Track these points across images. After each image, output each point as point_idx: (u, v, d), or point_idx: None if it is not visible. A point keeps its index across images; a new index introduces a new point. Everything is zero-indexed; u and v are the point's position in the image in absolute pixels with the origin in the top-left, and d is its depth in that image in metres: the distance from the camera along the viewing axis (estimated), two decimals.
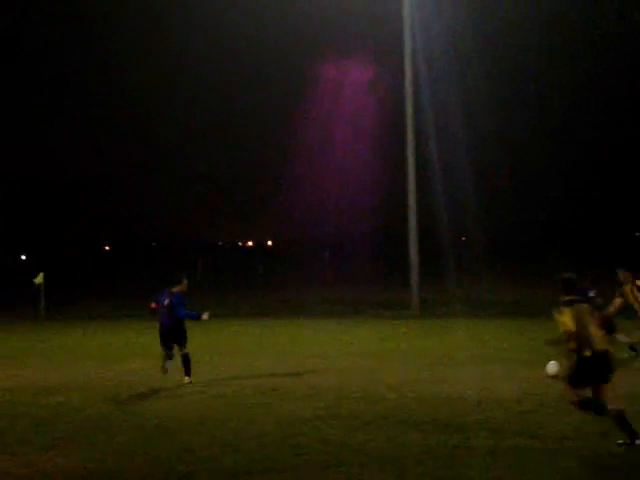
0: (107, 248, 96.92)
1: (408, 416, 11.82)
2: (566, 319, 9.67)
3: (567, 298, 9.89)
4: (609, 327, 16.31)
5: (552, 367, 13.82)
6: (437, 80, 33.70)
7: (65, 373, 16.94)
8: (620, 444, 9.65)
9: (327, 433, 10.85)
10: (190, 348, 15.28)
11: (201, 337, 24.00)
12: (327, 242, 64.64)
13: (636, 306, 14.78)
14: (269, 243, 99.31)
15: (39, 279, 32.58)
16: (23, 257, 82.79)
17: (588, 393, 9.90)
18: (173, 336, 15.46)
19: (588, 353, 9.62)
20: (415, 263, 31.06)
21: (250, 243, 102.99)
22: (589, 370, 9.68)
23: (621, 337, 16.49)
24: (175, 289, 15.44)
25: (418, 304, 30.49)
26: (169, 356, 15.44)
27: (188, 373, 15.39)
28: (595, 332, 9.79)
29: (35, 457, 10.06)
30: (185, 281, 15.57)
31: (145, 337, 24.97)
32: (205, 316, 15.46)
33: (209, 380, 15.50)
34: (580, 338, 9.63)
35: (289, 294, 39.66)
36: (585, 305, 9.97)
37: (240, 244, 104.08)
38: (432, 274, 34.01)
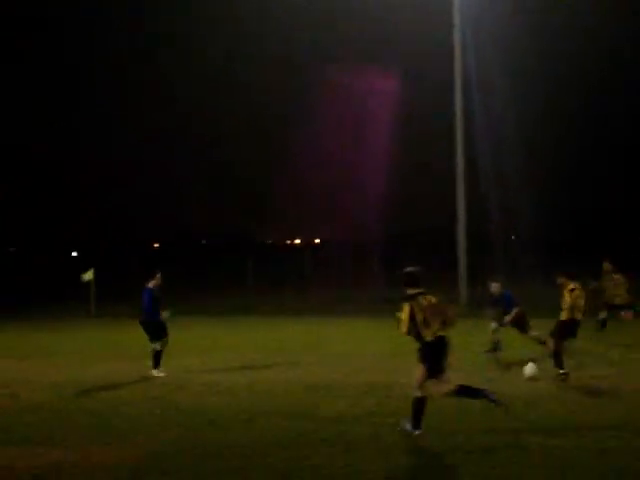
0: (156, 245, 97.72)
1: (457, 416, 11.73)
2: (404, 317, 10.43)
3: (411, 292, 10.54)
4: (522, 325, 16.90)
5: (530, 369, 14.26)
6: (486, 79, 33.52)
7: (116, 369, 17.10)
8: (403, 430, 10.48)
9: (378, 431, 10.82)
10: (236, 346, 15.31)
11: (247, 334, 24.16)
12: (376, 240, 64.48)
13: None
14: (317, 241, 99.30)
15: (89, 275, 32.84)
16: (74, 254, 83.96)
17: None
18: (144, 329, 16.12)
19: (429, 338, 10.36)
20: (463, 261, 30.89)
21: (298, 241, 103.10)
22: (432, 353, 10.41)
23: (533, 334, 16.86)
24: (150, 284, 16.08)
25: (466, 302, 30.32)
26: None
27: (155, 366, 15.94)
28: (434, 321, 10.42)
29: (90, 450, 10.19)
30: (158, 275, 16.17)
31: (195, 334, 25.18)
32: (165, 314, 15.93)
33: (259, 377, 15.57)
34: (418, 327, 10.37)
35: (338, 292, 39.67)
36: (430, 296, 10.56)
37: (288, 242, 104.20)
38: (482, 273, 33.70)
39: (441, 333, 10.47)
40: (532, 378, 14.24)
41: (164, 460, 9.62)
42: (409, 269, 10.81)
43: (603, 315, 20.15)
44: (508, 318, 16.94)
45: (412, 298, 10.53)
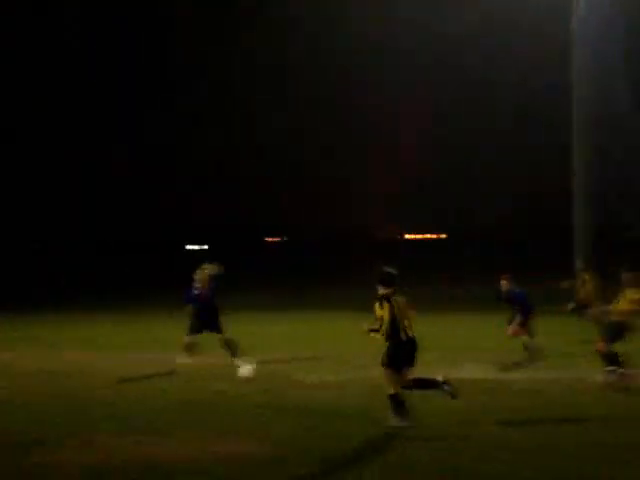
0: (277, 240, 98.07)
1: (571, 410, 11.82)
2: (385, 314, 10.81)
3: (387, 291, 10.95)
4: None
5: (244, 371, 14.57)
6: (603, 66, 32.87)
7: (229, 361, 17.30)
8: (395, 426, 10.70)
9: (489, 431, 10.76)
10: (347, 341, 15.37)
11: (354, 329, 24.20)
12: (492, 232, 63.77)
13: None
14: (432, 236, 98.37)
15: (213, 269, 33.61)
16: (194, 247, 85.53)
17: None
18: None
19: (404, 337, 10.80)
20: (581, 253, 30.30)
21: (414, 236, 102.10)
22: (403, 352, 10.84)
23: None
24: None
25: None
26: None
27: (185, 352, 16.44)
28: (409, 321, 10.95)
29: (205, 443, 10.32)
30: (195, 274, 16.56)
31: (308, 328, 25.53)
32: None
33: (373, 373, 15.63)
34: (397, 325, 10.79)
35: (467, 288, 39.52)
36: (402, 297, 11.01)
37: (398, 237, 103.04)
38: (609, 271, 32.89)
39: (411, 333, 10.94)
40: (248, 379, 14.43)
41: (273, 453, 9.69)
42: (389, 269, 11.18)
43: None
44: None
45: (390, 297, 10.93)
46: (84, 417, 11.98)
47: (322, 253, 68.13)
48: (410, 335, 10.91)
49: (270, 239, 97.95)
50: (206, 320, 15.96)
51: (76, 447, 10.09)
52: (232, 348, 15.80)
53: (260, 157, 79.20)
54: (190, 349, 16.33)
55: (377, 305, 10.97)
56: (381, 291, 11.02)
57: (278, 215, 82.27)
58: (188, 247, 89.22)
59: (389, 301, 10.90)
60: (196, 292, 16.22)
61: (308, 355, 18.31)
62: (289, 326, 26.15)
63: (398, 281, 11.11)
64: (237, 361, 15.67)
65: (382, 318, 10.88)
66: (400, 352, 10.88)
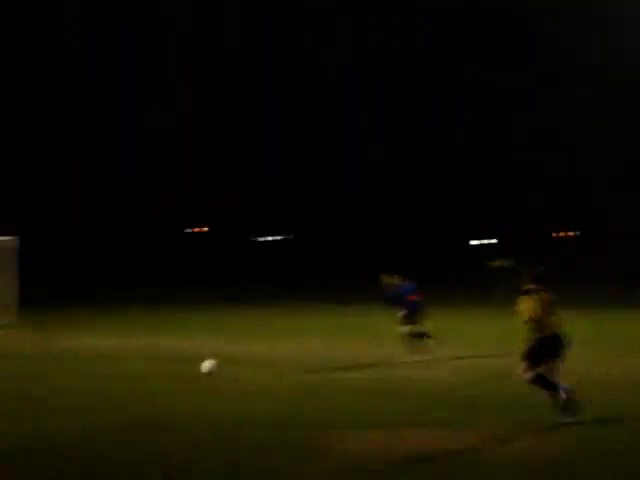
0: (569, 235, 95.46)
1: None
2: (535, 305, 10.90)
3: (533, 287, 11.10)
4: None
5: (207, 365, 14.47)
6: None
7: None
8: (564, 422, 10.49)
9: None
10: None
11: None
12: None
13: None
14: None
15: (502, 262, 33.24)
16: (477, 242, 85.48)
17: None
18: None
19: (548, 333, 10.83)
20: None
21: None
22: (546, 348, 10.81)
23: None
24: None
25: None
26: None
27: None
28: (552, 317, 10.97)
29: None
30: (381, 280, 18.10)
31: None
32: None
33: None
34: (541, 321, 10.88)
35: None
36: (546, 294, 11.05)
37: None
38: None
39: (557, 331, 10.94)
40: (208, 373, 14.30)
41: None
42: (539, 267, 11.42)
43: None
44: None
45: (532, 292, 11.07)
46: (385, 409, 11.94)
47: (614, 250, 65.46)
48: (555, 332, 10.95)
49: (559, 234, 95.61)
50: (410, 314, 17.69)
51: (380, 439, 10.04)
52: (419, 339, 17.59)
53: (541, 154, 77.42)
54: (422, 337, 17.62)
55: (521, 299, 11.13)
56: (529, 286, 11.19)
57: (569, 209, 79.98)
58: (472, 242, 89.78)
59: (530, 294, 11.10)
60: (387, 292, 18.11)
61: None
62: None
63: (544, 278, 11.26)
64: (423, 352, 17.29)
65: (523, 312, 11.04)
66: (541, 347, 10.88)
